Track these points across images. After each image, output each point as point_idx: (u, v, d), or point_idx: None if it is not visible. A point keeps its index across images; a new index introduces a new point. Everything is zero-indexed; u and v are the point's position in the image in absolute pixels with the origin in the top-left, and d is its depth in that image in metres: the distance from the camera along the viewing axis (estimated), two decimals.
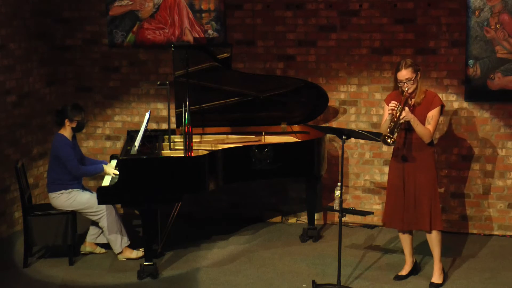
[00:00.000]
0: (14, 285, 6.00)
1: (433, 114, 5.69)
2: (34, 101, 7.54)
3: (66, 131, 6.43)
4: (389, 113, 5.64)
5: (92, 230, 6.61)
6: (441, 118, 5.83)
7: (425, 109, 5.70)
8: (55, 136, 6.47)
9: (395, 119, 5.57)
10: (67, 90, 7.91)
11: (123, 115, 7.87)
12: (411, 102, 5.73)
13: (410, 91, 5.67)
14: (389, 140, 5.55)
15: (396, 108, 5.59)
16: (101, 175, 6.57)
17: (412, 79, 5.64)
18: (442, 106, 5.76)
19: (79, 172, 6.41)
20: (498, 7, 6.75)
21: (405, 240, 5.98)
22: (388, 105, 5.69)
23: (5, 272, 6.24)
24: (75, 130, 6.51)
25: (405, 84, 5.64)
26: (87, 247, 6.63)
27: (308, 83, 7.03)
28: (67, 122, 6.42)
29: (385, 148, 7.22)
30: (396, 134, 5.59)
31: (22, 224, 6.54)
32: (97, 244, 6.64)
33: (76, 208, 6.40)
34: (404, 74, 5.63)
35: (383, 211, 7.26)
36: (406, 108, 5.62)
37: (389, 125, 5.59)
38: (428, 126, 5.67)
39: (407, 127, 5.71)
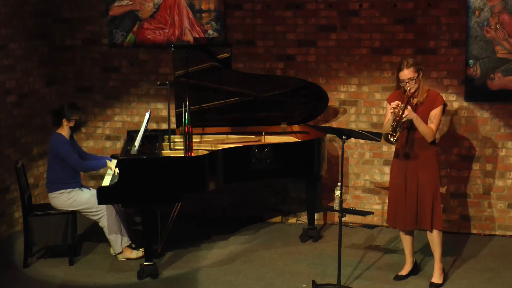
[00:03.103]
0: (14, 285, 5.99)
1: (435, 113, 5.69)
2: (34, 101, 7.53)
3: (64, 130, 6.42)
4: (392, 112, 5.65)
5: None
6: (442, 118, 5.83)
7: (427, 108, 5.70)
8: (52, 135, 6.46)
9: (398, 118, 5.57)
10: (67, 90, 7.91)
11: (123, 115, 7.87)
12: (414, 101, 5.72)
13: (412, 90, 5.66)
14: (391, 139, 5.54)
15: (398, 107, 5.59)
16: (101, 174, 6.57)
17: (414, 78, 5.64)
18: (445, 105, 5.77)
19: (81, 166, 6.39)
20: (498, 7, 6.75)
21: (406, 240, 5.98)
22: (390, 104, 5.71)
23: (5, 272, 6.24)
24: (74, 129, 6.51)
25: (407, 83, 5.64)
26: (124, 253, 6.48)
27: (308, 83, 7.02)
28: (65, 122, 6.41)
29: (385, 148, 7.22)
30: (398, 133, 5.60)
31: (22, 224, 6.54)
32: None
33: (76, 208, 6.39)
34: (406, 73, 5.64)
35: (383, 210, 7.28)
36: (409, 107, 5.60)
37: (392, 124, 5.59)
38: (430, 125, 5.67)
39: (410, 126, 5.71)
